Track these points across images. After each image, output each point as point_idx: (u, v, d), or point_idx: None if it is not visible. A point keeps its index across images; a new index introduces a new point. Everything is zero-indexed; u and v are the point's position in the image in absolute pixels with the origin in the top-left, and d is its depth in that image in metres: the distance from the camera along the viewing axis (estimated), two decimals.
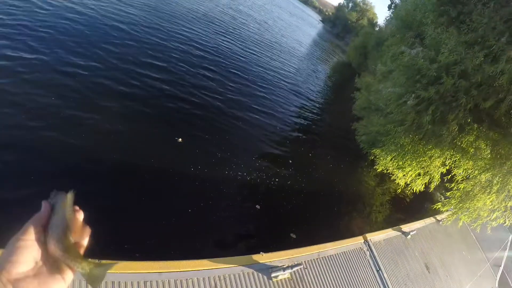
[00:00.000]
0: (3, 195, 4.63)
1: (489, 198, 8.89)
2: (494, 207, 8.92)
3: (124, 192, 6.04)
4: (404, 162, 11.78)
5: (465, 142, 10.03)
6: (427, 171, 12.01)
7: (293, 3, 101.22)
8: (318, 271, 5.17)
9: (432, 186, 12.27)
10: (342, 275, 5.44)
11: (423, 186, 12.42)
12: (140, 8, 14.77)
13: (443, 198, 12.66)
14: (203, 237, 6.08)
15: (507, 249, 13.07)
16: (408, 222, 8.73)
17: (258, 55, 19.78)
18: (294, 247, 5.27)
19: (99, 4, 12.67)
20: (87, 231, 0.69)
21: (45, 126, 6.29)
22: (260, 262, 4.59)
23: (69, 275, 0.62)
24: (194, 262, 3.98)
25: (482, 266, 10.32)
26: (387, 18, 25.79)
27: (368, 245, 6.54)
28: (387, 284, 6.08)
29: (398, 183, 12.81)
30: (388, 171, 12.96)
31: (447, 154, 11.01)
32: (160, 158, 7.17)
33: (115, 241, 4.77)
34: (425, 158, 11.35)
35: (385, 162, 12.63)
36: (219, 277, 4.02)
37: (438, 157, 11.22)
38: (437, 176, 11.95)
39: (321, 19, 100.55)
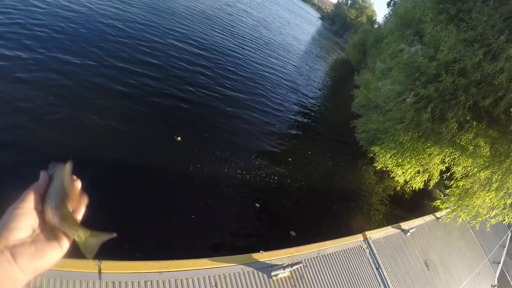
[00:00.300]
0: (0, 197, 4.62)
1: (488, 195, 8.91)
2: (493, 204, 8.93)
3: (123, 192, 6.03)
4: (404, 160, 11.80)
5: (464, 139, 10.04)
6: (426, 169, 12.03)
7: (292, 0, 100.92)
8: (318, 269, 5.18)
9: (431, 183, 12.30)
10: (341, 273, 5.46)
11: (422, 183, 12.45)
12: (137, 6, 14.70)
13: (442, 196, 12.65)
14: (203, 236, 6.09)
15: (506, 246, 13.12)
16: (408, 219, 8.75)
17: (257, 52, 19.74)
18: (294, 245, 5.28)
19: (96, 2, 12.61)
20: (85, 199, 0.71)
21: (44, 126, 6.27)
22: (260, 260, 4.59)
23: (66, 243, 0.63)
24: (194, 261, 3.98)
25: (481, 263, 10.35)
26: (386, 16, 25.78)
27: (368, 242, 6.55)
28: (387, 282, 6.10)
29: (397, 181, 12.83)
30: (387, 169, 12.98)
31: (447, 151, 11.02)
32: (159, 157, 7.16)
33: (115, 241, 4.77)
34: (425, 155, 11.37)
35: (384, 160, 12.65)
36: (219, 276, 4.02)
37: (437, 154, 11.23)
38: (436, 173, 11.97)
39: (319, 16, 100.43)
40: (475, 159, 9.95)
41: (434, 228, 9.46)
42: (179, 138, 8.11)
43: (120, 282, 3.28)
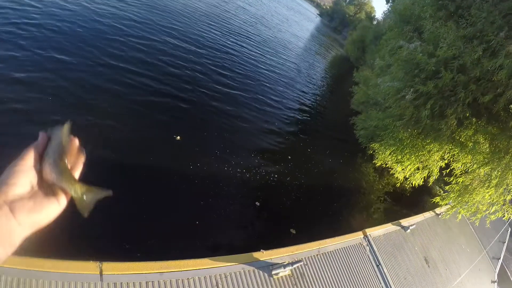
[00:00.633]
0: None
1: (488, 191, 8.93)
2: (492, 200, 8.96)
3: (123, 192, 6.01)
4: (403, 156, 11.82)
5: (463, 136, 10.05)
6: (426, 165, 12.06)
7: None
8: (319, 267, 5.19)
9: (431, 180, 12.33)
10: (342, 271, 5.47)
11: (422, 180, 12.48)
12: (134, 4, 14.60)
13: (442, 192, 12.71)
14: (203, 235, 6.10)
15: (506, 242, 13.17)
16: (407, 216, 8.77)
17: (255, 50, 19.65)
18: (294, 243, 5.29)
19: (92, 1, 12.52)
20: (82, 156, 0.73)
21: (41, 127, 6.24)
22: (261, 259, 4.61)
23: (63, 199, 0.65)
24: (195, 261, 3.99)
25: (481, 259, 10.40)
26: (385, 12, 25.70)
27: (368, 240, 6.57)
28: (387, 279, 6.12)
29: (397, 177, 12.87)
30: (387, 166, 13.01)
31: (446, 148, 11.04)
32: (158, 157, 7.15)
33: (115, 242, 4.79)
34: (424, 152, 11.39)
35: (384, 157, 12.67)
36: (220, 275, 4.03)
37: (437, 151, 11.25)
38: (436, 170, 12.00)
39: (318, 13, 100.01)
40: (475, 155, 9.97)
41: (434, 224, 9.49)
42: (179, 137, 8.10)
43: (121, 283, 3.28)
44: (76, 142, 0.71)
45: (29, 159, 0.62)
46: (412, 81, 9.63)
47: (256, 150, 9.77)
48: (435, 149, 11.10)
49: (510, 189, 8.67)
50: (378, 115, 12.94)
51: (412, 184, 12.68)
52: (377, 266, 6.23)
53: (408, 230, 7.88)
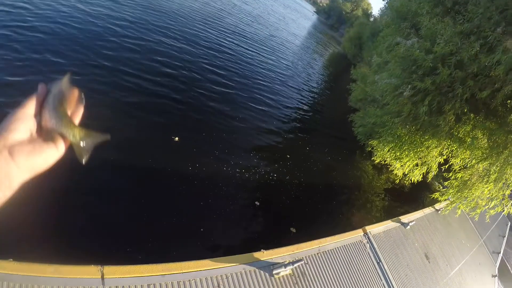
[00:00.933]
0: None
1: (487, 187, 8.97)
2: (492, 195, 8.99)
3: (122, 195, 6.02)
4: (402, 153, 11.85)
5: (462, 132, 10.08)
6: (425, 161, 12.09)
7: None
8: (319, 266, 5.21)
9: (430, 176, 12.37)
10: (343, 269, 5.49)
11: (421, 176, 12.52)
12: (129, 5, 14.54)
13: (441, 188, 12.74)
14: (203, 236, 6.10)
15: (506, 236, 13.23)
16: (407, 212, 8.79)
17: (252, 49, 19.60)
18: (295, 242, 5.30)
19: (87, 1, 12.45)
20: (82, 104, 0.76)
21: None
22: (262, 259, 4.61)
23: (62, 145, 0.66)
24: (196, 262, 3.99)
25: (481, 254, 10.45)
26: (381, 9, 25.58)
27: (368, 237, 6.59)
28: (388, 276, 6.15)
29: (396, 174, 12.90)
30: (385, 162, 13.04)
31: (444, 144, 11.07)
32: (157, 159, 7.14)
33: (116, 245, 4.78)
34: (422, 148, 11.42)
35: (382, 153, 12.70)
36: (221, 276, 4.04)
37: (435, 147, 11.28)
38: (434, 166, 12.04)
39: (315, 10, 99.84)
40: (473, 151, 10.00)
41: (433, 220, 9.52)
42: (177, 138, 8.08)
43: (123, 286, 3.28)
44: (76, 91, 0.73)
45: (29, 107, 0.64)
46: (409, 77, 9.64)
47: (255, 149, 9.76)
48: (433, 145, 11.13)
49: (509, 184, 8.70)
50: (376, 112, 12.94)
51: (411, 180, 12.72)
52: (378, 263, 6.25)
53: (408, 227, 7.91)
